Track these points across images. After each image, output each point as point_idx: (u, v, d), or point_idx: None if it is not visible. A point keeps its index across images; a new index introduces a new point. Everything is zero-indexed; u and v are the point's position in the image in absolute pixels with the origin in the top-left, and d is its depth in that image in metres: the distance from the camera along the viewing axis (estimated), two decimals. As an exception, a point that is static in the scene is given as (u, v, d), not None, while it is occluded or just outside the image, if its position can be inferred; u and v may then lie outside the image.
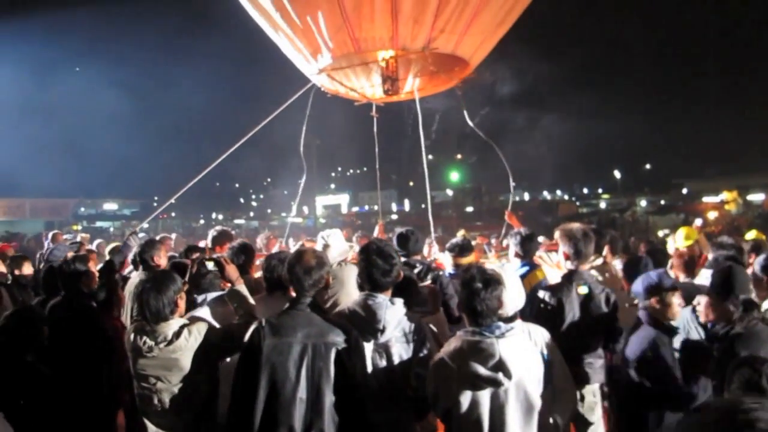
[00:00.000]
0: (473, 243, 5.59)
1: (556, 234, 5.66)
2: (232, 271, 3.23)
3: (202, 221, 53.06)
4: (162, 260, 4.63)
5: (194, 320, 2.93)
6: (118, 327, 3.88)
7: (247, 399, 2.41)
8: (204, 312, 3.15)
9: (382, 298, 2.74)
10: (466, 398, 2.39)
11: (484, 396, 2.38)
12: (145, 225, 6.23)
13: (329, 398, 2.42)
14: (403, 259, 4.14)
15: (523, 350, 2.45)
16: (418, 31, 5.65)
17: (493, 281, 2.51)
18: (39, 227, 33.10)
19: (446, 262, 4.66)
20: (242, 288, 3.15)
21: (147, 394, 2.83)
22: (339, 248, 4.12)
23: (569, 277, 3.62)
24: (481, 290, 2.46)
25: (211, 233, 5.42)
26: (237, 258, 3.71)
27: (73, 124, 52.56)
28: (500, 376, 2.34)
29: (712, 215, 24.71)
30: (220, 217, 58.73)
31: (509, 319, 2.68)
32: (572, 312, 3.49)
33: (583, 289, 3.57)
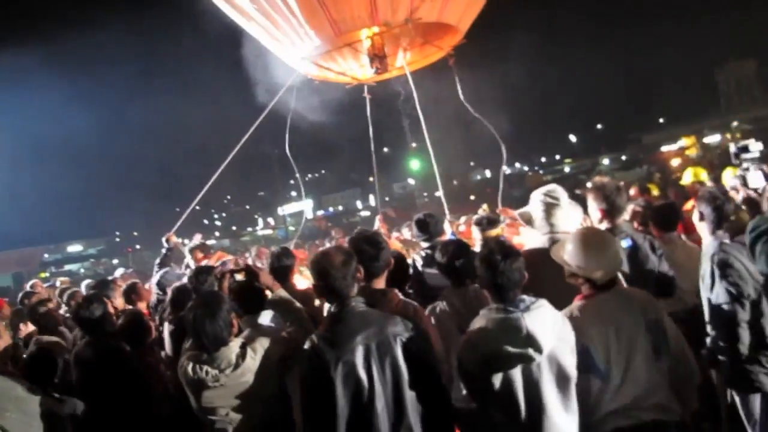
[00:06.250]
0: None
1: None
2: (266, 277, 3.06)
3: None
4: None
5: (252, 337, 2.70)
6: (152, 363, 3.61)
7: (325, 420, 2.26)
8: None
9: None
10: (497, 378, 2.27)
11: (516, 373, 2.26)
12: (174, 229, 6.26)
13: (408, 393, 2.28)
14: (426, 244, 4.08)
15: (552, 321, 2.34)
16: (398, 4, 5.42)
17: (513, 253, 2.40)
18: (7, 282, 31.40)
19: (475, 236, 4.52)
20: (283, 292, 2.95)
21: (220, 427, 2.58)
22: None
23: (611, 234, 3.52)
24: (500, 262, 2.33)
25: (187, 249, 5.69)
26: (278, 262, 3.54)
27: (25, 168, 50.37)
28: (530, 351, 2.24)
29: (675, 162, 25.32)
30: (187, 241, 57.36)
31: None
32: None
33: (626, 242, 3.48)
